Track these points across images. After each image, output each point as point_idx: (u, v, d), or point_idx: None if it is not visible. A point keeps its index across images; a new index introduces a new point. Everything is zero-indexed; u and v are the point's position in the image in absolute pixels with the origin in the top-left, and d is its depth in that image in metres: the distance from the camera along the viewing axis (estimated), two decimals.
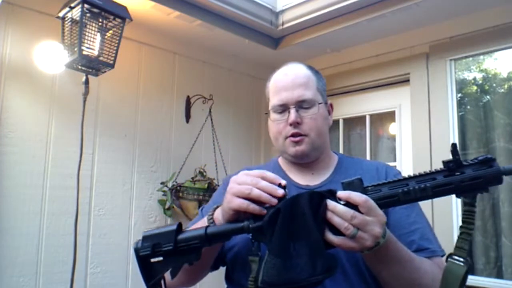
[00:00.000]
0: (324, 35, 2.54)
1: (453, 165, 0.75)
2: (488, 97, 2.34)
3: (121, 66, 2.22)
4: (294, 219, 0.77)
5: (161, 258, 0.84)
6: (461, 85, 2.42)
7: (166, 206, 2.50)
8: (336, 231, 0.77)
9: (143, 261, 0.85)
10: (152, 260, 0.85)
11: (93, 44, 1.96)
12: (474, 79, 2.41)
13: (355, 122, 2.97)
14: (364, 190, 0.79)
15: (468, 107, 2.39)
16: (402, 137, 2.63)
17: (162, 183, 2.53)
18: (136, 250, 0.85)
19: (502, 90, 2.27)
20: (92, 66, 2.00)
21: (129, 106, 2.49)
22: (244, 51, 2.90)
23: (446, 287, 0.73)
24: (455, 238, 0.84)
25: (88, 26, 1.94)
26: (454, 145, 0.75)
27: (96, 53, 1.97)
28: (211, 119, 2.81)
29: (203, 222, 0.95)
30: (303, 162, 1.11)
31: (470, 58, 2.39)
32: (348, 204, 0.77)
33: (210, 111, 2.81)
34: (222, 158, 2.80)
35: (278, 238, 0.77)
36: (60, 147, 2.16)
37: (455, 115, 2.33)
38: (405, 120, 2.61)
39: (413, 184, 0.77)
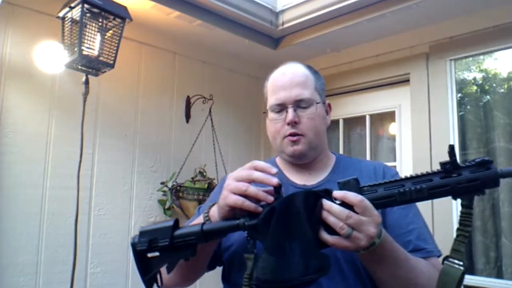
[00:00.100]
0: (324, 35, 2.53)
1: (450, 167, 0.75)
2: (488, 97, 2.34)
3: (121, 66, 2.23)
4: (289, 218, 0.78)
5: (157, 253, 0.85)
6: (461, 85, 2.42)
7: (166, 206, 2.50)
8: (332, 231, 0.77)
9: (139, 255, 0.86)
10: (149, 255, 0.85)
11: (93, 44, 1.96)
12: (474, 79, 2.41)
13: (355, 122, 2.96)
14: (360, 190, 0.79)
15: (468, 107, 2.39)
16: (402, 137, 2.62)
17: (162, 183, 2.53)
18: (133, 245, 0.86)
19: (502, 90, 2.27)
20: (92, 66, 2.01)
21: (129, 106, 2.49)
22: (244, 51, 2.90)
23: None
24: None
25: (88, 26, 1.94)
26: (451, 147, 0.74)
27: (96, 53, 1.97)
28: (211, 119, 2.81)
29: (199, 220, 0.95)
30: (301, 162, 1.11)
31: (470, 58, 2.39)
32: (344, 204, 0.77)
33: (210, 111, 2.81)
34: (222, 158, 2.80)
35: (273, 237, 0.77)
36: (60, 147, 2.16)
37: (455, 115, 2.33)
38: (405, 120, 2.60)
39: (409, 185, 0.77)
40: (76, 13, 1.91)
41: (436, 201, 2.16)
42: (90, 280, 2.22)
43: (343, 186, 0.80)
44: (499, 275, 2.17)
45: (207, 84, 2.88)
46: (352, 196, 0.77)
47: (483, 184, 0.73)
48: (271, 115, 1.10)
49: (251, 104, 3.14)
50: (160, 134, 2.62)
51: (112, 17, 2.01)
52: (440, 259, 0.78)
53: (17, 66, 2.05)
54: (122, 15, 2.02)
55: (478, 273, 2.21)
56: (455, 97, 2.34)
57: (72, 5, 1.91)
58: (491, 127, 2.28)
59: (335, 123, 2.94)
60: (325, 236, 0.77)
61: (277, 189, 0.84)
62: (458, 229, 0.75)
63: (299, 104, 1.06)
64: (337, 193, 0.79)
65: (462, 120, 2.36)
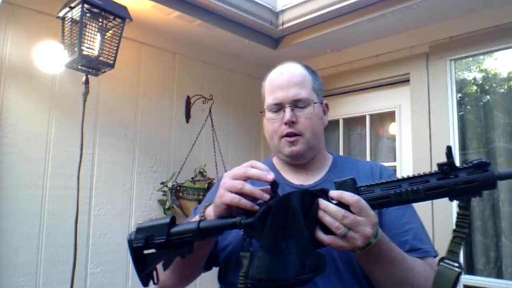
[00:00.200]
0: (324, 35, 2.53)
1: (447, 168, 0.74)
2: (488, 97, 2.33)
3: (121, 66, 2.23)
4: (286, 217, 0.78)
5: (153, 250, 0.85)
6: (461, 85, 2.42)
7: (166, 206, 2.50)
8: (328, 230, 0.77)
9: (136, 252, 0.86)
10: (145, 252, 0.85)
11: (93, 44, 1.97)
12: (474, 79, 2.41)
13: (355, 122, 2.96)
14: (356, 190, 0.79)
15: (468, 107, 2.39)
16: (402, 137, 2.62)
17: (162, 183, 2.54)
18: (130, 242, 0.86)
19: (502, 90, 2.27)
20: (92, 66, 2.01)
21: (129, 106, 2.49)
22: (244, 51, 2.90)
23: None
24: None
25: (88, 26, 1.94)
26: (448, 148, 0.74)
27: (96, 53, 1.98)
28: (211, 119, 2.81)
29: (195, 219, 0.95)
30: (298, 162, 1.11)
31: (470, 58, 2.38)
32: (340, 203, 0.77)
33: (210, 111, 2.81)
34: (222, 158, 2.80)
35: (269, 235, 0.77)
36: (60, 147, 2.16)
37: (455, 115, 2.33)
38: (405, 120, 2.60)
39: (406, 185, 0.77)
40: (76, 13, 1.91)
41: (436, 201, 2.15)
42: (90, 280, 2.23)
43: (340, 186, 0.80)
44: (499, 275, 2.17)
45: (207, 84, 2.88)
46: (348, 196, 0.77)
47: (480, 186, 0.72)
48: (268, 114, 1.11)
49: (251, 104, 3.14)
50: (160, 134, 2.62)
51: (112, 17, 2.01)
52: (436, 259, 0.78)
53: (17, 66, 2.05)
54: (122, 15, 2.03)
55: (478, 273, 2.21)
56: (455, 97, 2.34)
57: (72, 5, 1.91)
58: (491, 127, 2.27)
59: (335, 123, 2.94)
60: (321, 235, 0.77)
61: (274, 188, 0.84)
62: (454, 231, 0.75)
63: (296, 104, 1.07)
64: (333, 193, 0.79)
65: (462, 120, 2.36)
